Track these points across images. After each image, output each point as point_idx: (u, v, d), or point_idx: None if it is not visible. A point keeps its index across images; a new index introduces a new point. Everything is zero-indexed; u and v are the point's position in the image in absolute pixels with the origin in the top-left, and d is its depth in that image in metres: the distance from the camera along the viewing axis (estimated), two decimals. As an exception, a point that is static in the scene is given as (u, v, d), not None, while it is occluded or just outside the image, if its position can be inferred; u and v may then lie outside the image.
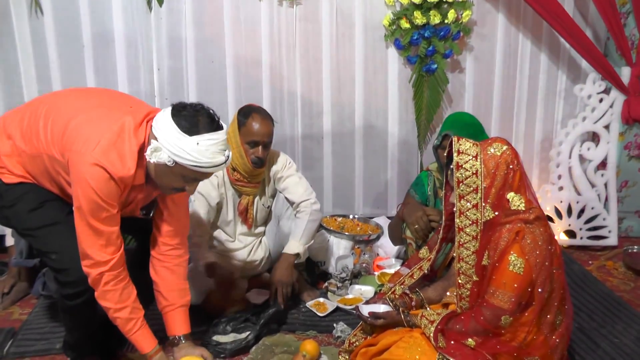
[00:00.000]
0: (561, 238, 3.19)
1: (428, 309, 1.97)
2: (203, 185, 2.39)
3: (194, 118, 1.68)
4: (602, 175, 3.17)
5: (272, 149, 2.54)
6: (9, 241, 2.74)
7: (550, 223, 3.18)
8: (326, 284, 2.67)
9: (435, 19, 2.92)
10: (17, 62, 2.94)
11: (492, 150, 1.79)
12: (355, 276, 2.74)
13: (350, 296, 2.56)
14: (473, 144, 1.80)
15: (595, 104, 3.12)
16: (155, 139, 1.68)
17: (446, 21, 2.95)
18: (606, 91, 3.11)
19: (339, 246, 2.88)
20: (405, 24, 2.97)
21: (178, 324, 1.99)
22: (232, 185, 2.49)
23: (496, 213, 1.77)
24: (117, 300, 1.79)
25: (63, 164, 1.72)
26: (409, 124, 3.26)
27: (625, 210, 3.29)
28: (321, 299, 2.53)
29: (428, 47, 2.99)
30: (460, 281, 1.87)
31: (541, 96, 3.31)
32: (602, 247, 3.17)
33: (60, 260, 1.81)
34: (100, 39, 2.97)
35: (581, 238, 3.19)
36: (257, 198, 2.56)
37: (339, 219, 3.16)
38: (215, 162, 1.69)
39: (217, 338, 2.19)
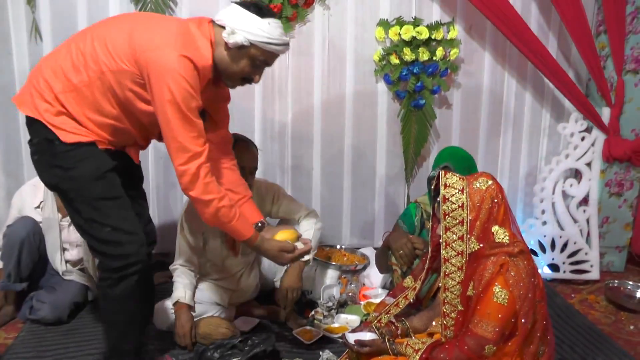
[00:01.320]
0: (544, 272, 3.24)
1: (413, 337, 2.00)
2: (189, 216, 2.46)
3: (259, 5, 1.85)
4: (584, 211, 3.23)
5: (258, 178, 2.60)
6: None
7: (534, 257, 3.24)
8: (313, 312, 2.68)
9: (424, 55, 3.01)
10: (14, 87, 2.97)
11: (477, 184, 1.84)
12: (342, 305, 2.75)
13: (336, 325, 2.56)
14: (459, 178, 1.85)
15: (578, 142, 3.21)
16: (225, 26, 1.80)
17: (434, 58, 3.03)
18: (588, 130, 3.20)
19: (326, 275, 2.89)
20: (394, 60, 3.05)
21: (255, 212, 2.14)
22: None
23: (481, 245, 1.81)
24: (218, 189, 1.89)
25: (134, 72, 1.76)
26: (396, 157, 3.32)
27: (607, 246, 3.36)
28: (307, 327, 2.53)
29: (416, 83, 3.06)
30: (445, 310, 1.90)
31: (526, 133, 3.39)
32: (584, 280, 3.22)
33: (116, 233, 1.85)
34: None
35: (564, 272, 3.24)
36: None
37: (327, 249, 3.17)
38: (285, 40, 1.87)
39: None
